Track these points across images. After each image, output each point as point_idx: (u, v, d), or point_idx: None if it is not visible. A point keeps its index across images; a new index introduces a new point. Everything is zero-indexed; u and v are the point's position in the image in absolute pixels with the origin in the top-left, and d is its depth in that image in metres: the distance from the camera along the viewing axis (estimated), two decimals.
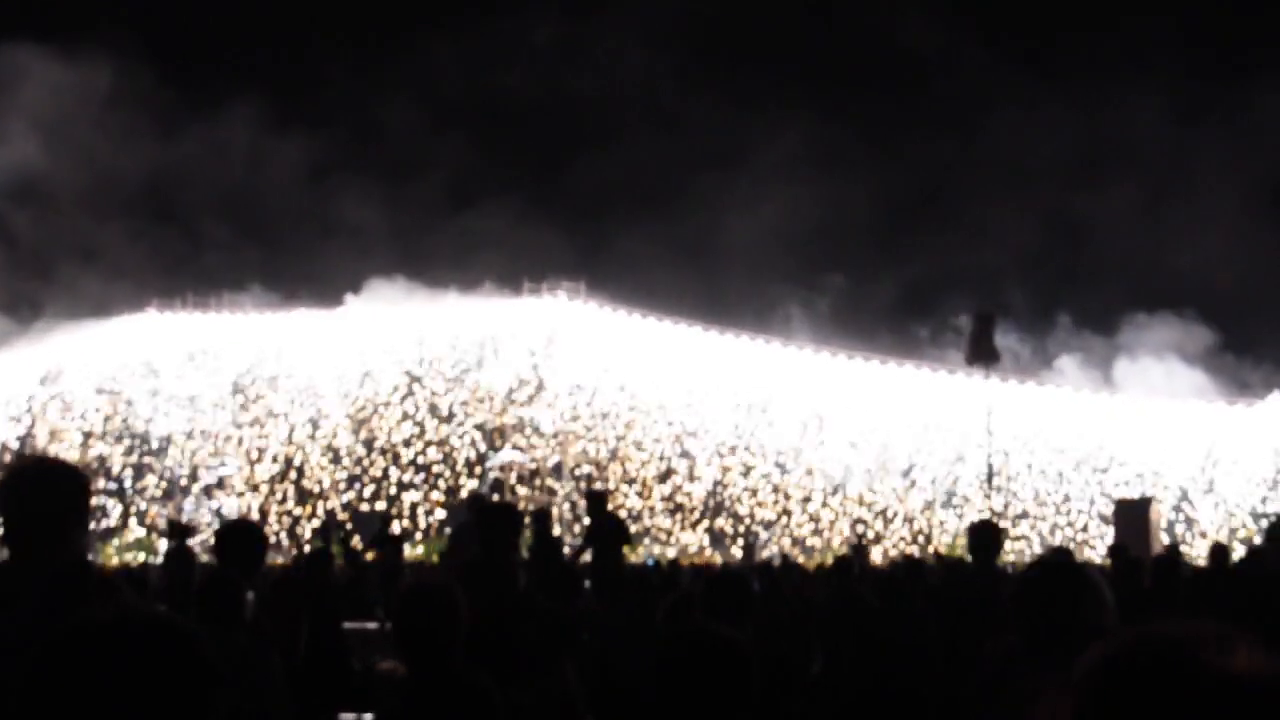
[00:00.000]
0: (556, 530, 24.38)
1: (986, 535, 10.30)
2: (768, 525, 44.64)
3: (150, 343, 47.52)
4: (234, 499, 43.10)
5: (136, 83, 56.64)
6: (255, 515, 40.93)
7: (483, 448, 44.65)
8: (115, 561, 37.86)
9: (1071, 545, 39.63)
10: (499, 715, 4.94)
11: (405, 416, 45.51)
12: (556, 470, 44.51)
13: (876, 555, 39.92)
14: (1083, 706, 1.70)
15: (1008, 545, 31.75)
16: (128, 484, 43.97)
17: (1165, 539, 34.23)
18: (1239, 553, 23.37)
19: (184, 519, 34.88)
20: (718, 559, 40.13)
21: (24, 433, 45.43)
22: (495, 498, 30.54)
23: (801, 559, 36.21)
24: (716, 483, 45.38)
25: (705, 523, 44.50)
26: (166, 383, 46.37)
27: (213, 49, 71.75)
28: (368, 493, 43.84)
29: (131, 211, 60.86)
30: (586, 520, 16.37)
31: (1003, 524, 26.49)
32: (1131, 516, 33.03)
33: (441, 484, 44.06)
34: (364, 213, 55.82)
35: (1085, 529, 44.56)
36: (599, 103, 77.76)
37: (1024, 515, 44.63)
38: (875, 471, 46.17)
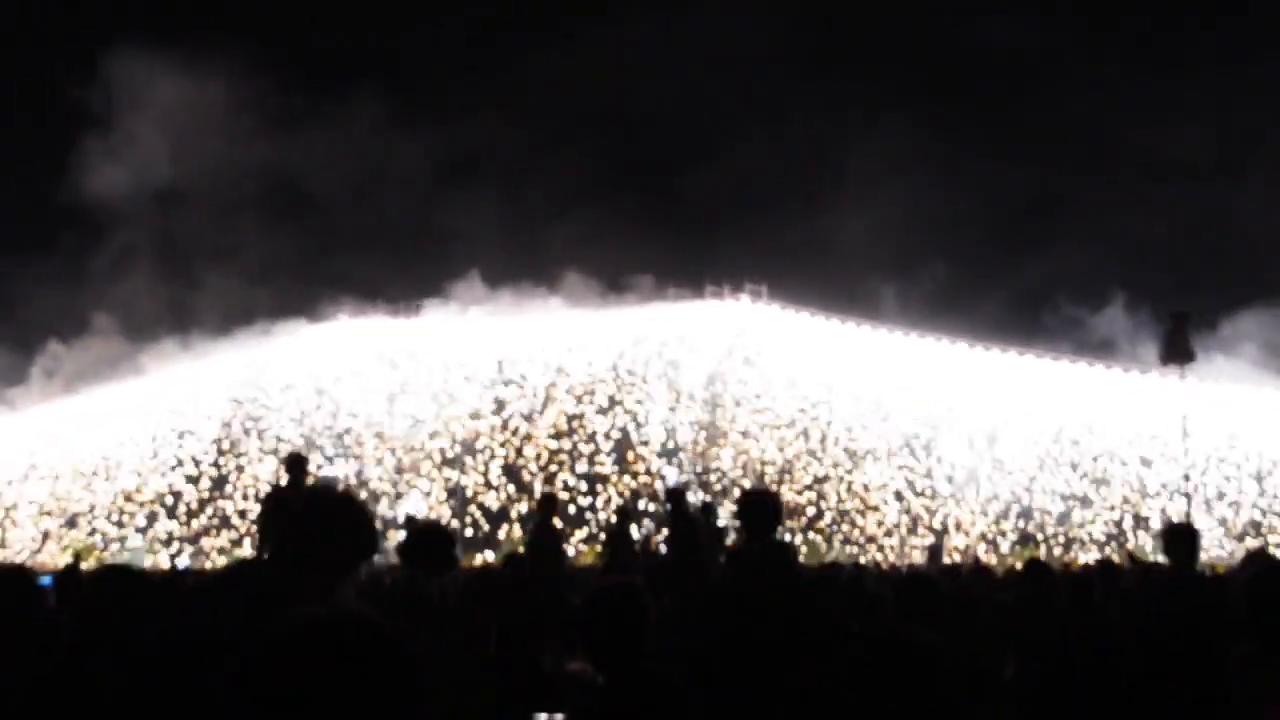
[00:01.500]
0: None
1: (1184, 538, 10.03)
2: (955, 527, 44.11)
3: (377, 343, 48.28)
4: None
5: (259, 88, 57.70)
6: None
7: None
8: None
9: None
10: (691, 717, 4.96)
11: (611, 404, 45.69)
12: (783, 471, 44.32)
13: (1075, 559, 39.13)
14: None
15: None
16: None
17: None
18: None
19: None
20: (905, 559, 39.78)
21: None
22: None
23: (993, 560, 35.76)
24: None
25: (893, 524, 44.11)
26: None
27: (330, 59, 72.96)
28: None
29: (266, 215, 61.67)
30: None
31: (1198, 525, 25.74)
32: None
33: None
34: (477, 219, 56.04)
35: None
36: (703, 111, 77.69)
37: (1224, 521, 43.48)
38: (1064, 472, 45.35)
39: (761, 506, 8.45)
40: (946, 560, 35.60)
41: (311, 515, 4.51)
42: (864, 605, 8.89)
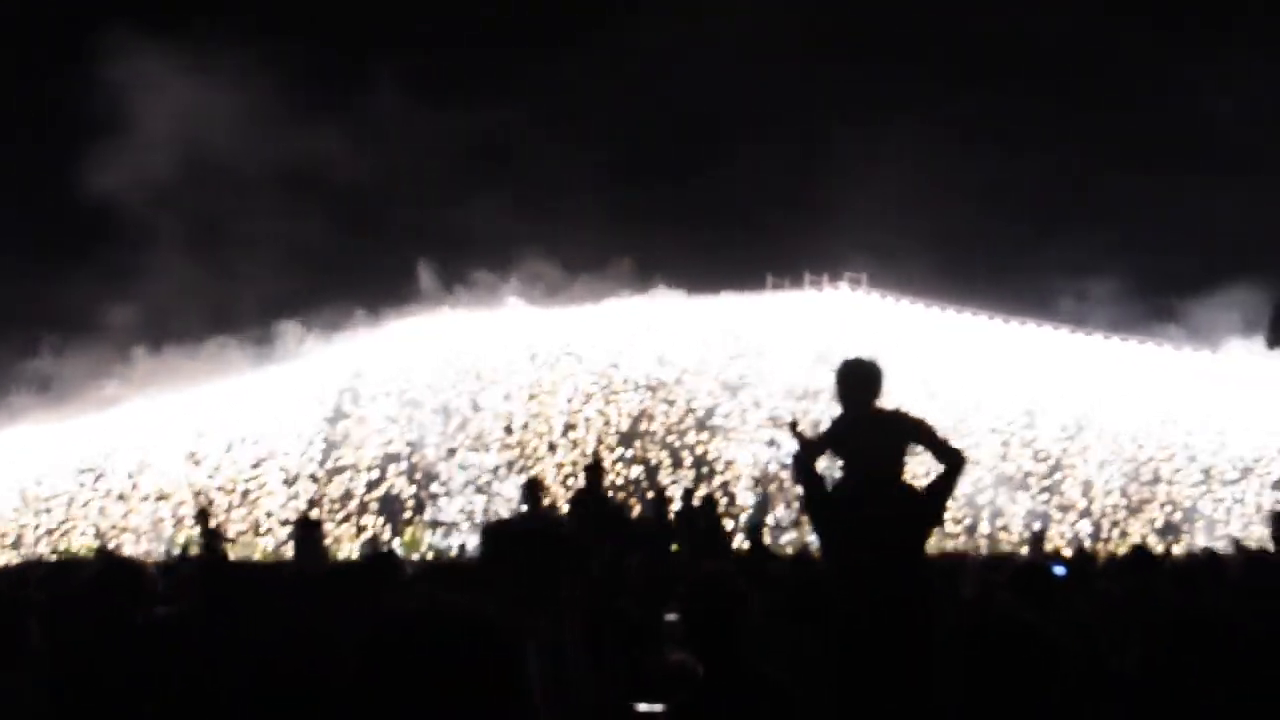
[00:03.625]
0: None
1: None
2: (1051, 513, 43.66)
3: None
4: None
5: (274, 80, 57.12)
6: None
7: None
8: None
9: None
10: (792, 708, 4.96)
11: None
12: None
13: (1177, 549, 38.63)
14: None
15: None
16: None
17: None
18: None
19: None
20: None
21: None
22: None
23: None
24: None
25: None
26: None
27: (345, 48, 72.73)
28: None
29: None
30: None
31: None
32: None
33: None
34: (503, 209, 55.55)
35: None
36: (719, 111, 76.72)
37: None
38: (1166, 461, 44.78)
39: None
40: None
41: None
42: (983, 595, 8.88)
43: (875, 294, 48.63)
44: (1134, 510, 43.95)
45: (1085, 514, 43.91)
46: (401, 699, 2.11)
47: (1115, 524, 43.51)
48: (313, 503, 42.39)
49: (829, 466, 8.25)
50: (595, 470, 17.27)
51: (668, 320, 47.46)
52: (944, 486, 7.93)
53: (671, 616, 10.01)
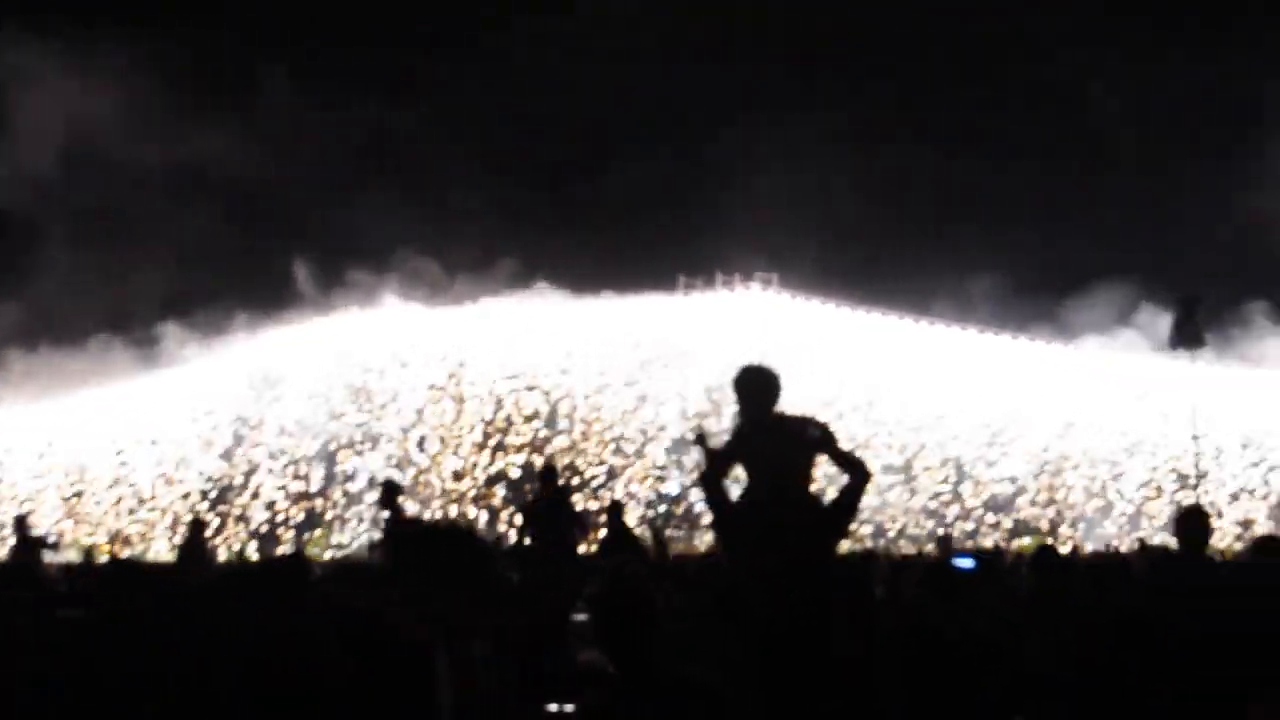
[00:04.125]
0: None
1: (1195, 523, 10.01)
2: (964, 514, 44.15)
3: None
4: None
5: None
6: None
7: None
8: None
9: None
10: (713, 708, 4.94)
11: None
12: None
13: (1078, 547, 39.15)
14: None
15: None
16: None
17: None
18: None
19: None
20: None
21: None
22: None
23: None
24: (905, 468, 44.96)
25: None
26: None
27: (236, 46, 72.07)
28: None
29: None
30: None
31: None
32: None
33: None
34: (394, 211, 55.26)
35: None
36: (609, 115, 77.02)
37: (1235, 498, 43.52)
38: (1079, 459, 45.39)
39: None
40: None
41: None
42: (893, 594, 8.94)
43: (786, 294, 48.87)
44: (1042, 506, 44.55)
45: (994, 510, 44.44)
46: (307, 700, 2.06)
47: (1021, 521, 44.07)
48: (214, 504, 41.89)
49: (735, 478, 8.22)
50: (549, 474, 17.35)
51: (565, 322, 47.36)
52: (850, 498, 7.93)
53: (581, 617, 10.00)
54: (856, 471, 7.91)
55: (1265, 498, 44.36)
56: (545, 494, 16.85)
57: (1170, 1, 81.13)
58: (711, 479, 8.05)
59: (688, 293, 48.67)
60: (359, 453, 44.00)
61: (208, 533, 24.32)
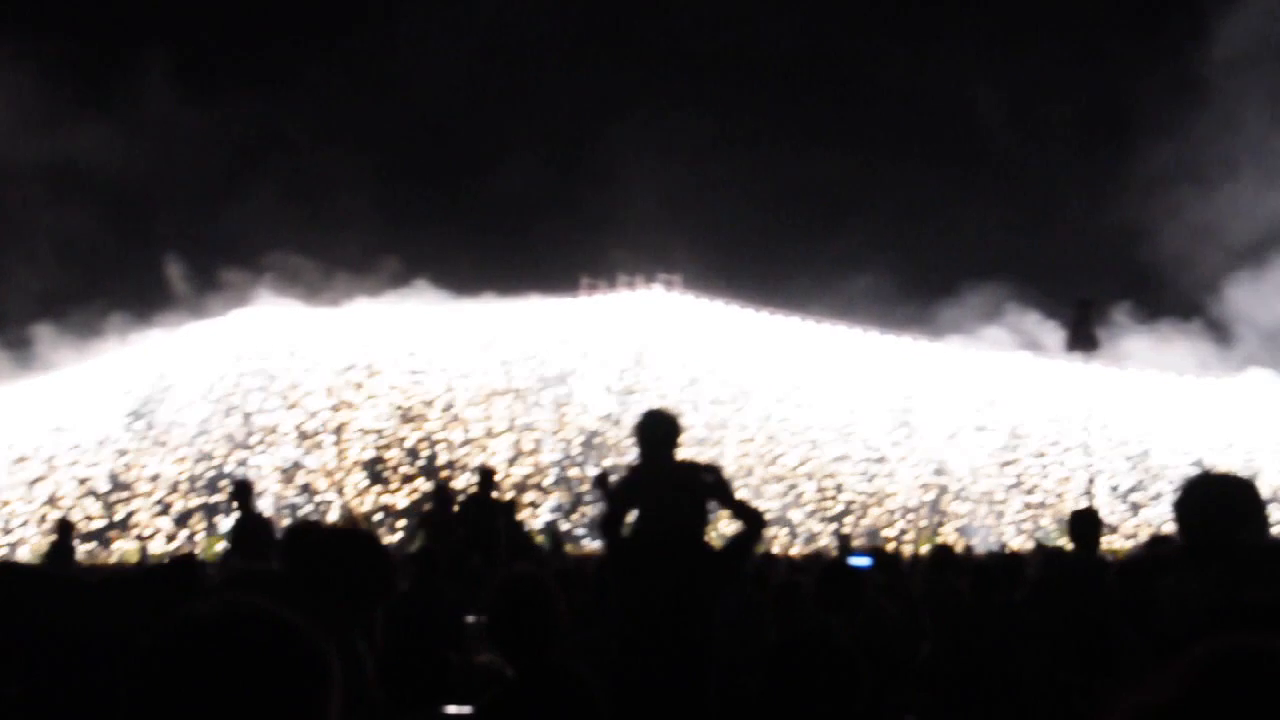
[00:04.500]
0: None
1: (1087, 524, 10.18)
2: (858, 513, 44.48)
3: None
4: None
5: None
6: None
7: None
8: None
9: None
10: (600, 709, 4.94)
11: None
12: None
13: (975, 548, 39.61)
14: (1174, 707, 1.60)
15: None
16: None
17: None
18: None
19: None
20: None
21: None
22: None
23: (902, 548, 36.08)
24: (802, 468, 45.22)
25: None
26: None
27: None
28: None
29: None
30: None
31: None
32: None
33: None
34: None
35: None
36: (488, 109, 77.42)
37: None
38: (976, 462, 45.91)
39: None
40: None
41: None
42: (781, 596, 8.97)
43: (690, 295, 49.02)
44: (940, 511, 44.95)
45: (891, 511, 44.80)
46: (196, 707, 2.01)
47: (915, 524, 44.47)
48: (109, 506, 41.18)
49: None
50: (486, 476, 17.50)
51: (431, 322, 47.18)
52: (743, 546, 7.99)
53: (477, 618, 9.96)
54: (750, 521, 7.97)
55: (1156, 497, 45.08)
56: (480, 495, 17.12)
57: (1046, 5, 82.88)
58: (609, 522, 8.11)
59: (590, 293, 48.64)
60: (249, 453, 43.48)
61: (77, 539, 23.81)
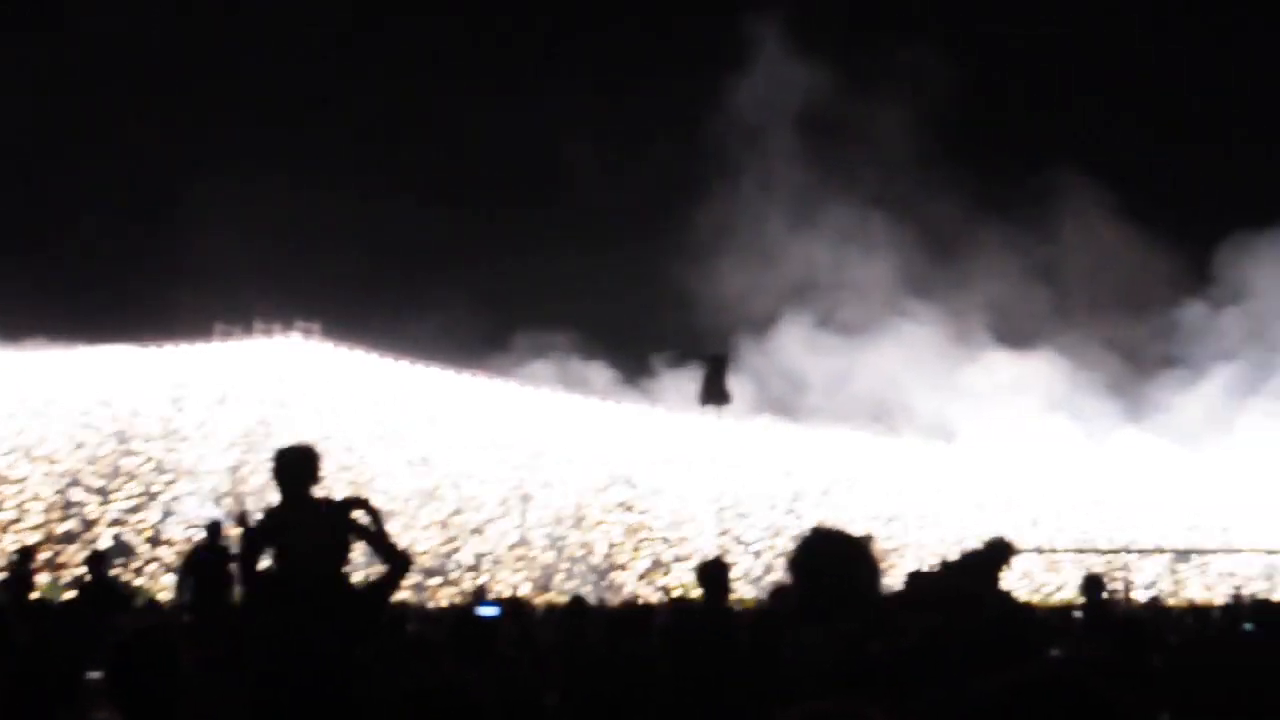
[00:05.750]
0: None
1: (716, 573, 10.41)
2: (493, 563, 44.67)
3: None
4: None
5: None
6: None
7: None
8: None
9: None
10: None
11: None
12: None
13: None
14: None
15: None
16: None
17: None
18: None
19: None
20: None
21: None
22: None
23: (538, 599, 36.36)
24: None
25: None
26: None
27: None
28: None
29: None
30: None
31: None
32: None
33: None
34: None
35: None
36: None
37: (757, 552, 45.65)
38: (609, 510, 46.66)
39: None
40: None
41: None
42: (413, 648, 8.93)
43: (329, 343, 48.40)
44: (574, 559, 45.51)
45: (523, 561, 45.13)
46: None
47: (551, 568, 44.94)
48: None
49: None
50: (215, 528, 17.41)
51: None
52: (386, 588, 7.90)
53: (96, 675, 9.54)
54: (395, 562, 7.88)
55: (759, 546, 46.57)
56: (208, 544, 17.05)
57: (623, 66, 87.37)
58: (245, 563, 7.89)
59: (224, 339, 47.47)
60: None
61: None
